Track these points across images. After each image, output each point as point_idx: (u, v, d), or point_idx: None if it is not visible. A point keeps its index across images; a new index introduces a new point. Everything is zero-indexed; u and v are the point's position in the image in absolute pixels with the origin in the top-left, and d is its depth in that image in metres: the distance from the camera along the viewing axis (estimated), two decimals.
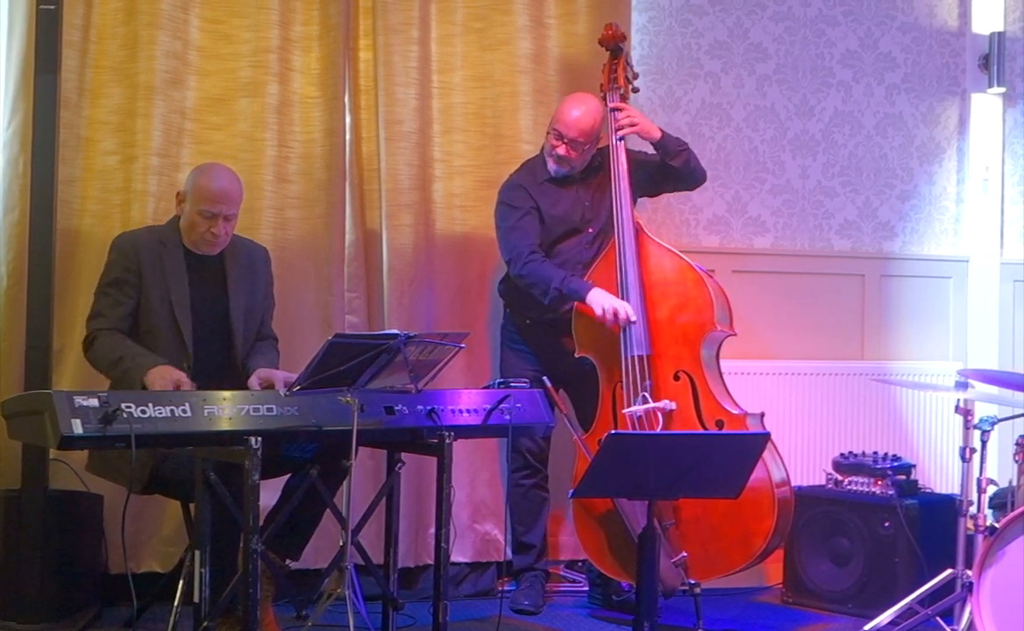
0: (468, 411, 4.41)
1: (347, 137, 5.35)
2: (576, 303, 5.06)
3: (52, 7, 4.84)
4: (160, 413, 3.88)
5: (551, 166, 5.20)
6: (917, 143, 6.14)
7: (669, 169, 5.24)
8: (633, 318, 4.95)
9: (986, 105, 6.16)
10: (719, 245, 5.60)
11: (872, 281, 6.11)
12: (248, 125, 5.25)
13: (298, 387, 4.08)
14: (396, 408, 4.25)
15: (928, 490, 5.41)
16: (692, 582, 4.84)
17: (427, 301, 5.42)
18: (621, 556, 4.91)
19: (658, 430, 4.90)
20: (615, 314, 4.94)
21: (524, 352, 5.25)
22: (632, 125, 5.17)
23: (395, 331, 4.23)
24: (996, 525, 4.50)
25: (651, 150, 5.26)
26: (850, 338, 6.06)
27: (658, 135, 5.21)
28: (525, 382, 4.67)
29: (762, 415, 5.01)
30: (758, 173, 5.93)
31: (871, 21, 6.13)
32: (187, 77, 5.17)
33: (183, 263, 4.54)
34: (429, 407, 4.30)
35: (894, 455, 5.44)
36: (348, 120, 5.35)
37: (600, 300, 4.98)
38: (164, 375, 4.24)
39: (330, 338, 4.07)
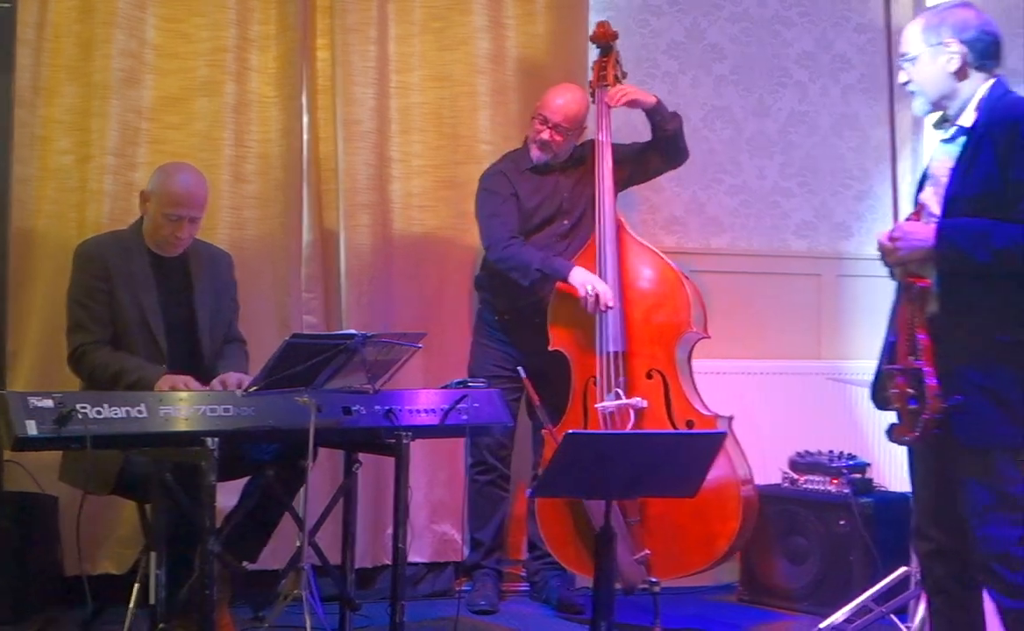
0: (426, 411, 4.41)
1: (305, 137, 5.35)
2: (554, 295, 5.09)
3: (7, 5, 4.83)
4: (116, 414, 3.85)
5: (534, 153, 5.25)
6: (873, 143, 6.18)
7: (658, 141, 5.26)
8: (611, 303, 4.98)
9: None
10: (676, 245, 5.62)
11: (829, 281, 6.15)
12: (205, 124, 5.23)
13: (255, 388, 4.07)
14: (354, 408, 4.24)
15: (883, 488, 5.45)
16: (653, 580, 4.87)
17: (385, 301, 5.42)
18: (584, 550, 4.93)
19: (629, 427, 4.93)
20: (596, 295, 4.97)
21: (500, 344, 5.28)
22: (625, 95, 5.20)
23: (353, 331, 4.22)
24: None
25: (631, 140, 5.31)
26: (807, 338, 6.10)
27: (653, 101, 5.24)
28: (483, 382, 4.68)
29: (731, 418, 5.05)
30: (715, 173, 5.95)
31: (826, 22, 6.16)
32: (143, 76, 5.15)
33: (149, 267, 4.51)
34: (387, 407, 4.29)
35: (849, 454, 5.49)
36: (306, 120, 5.35)
37: (583, 278, 5.02)
38: (173, 383, 4.22)
39: (287, 338, 4.06)
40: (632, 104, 5.24)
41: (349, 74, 5.38)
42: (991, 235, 3.47)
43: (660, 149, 5.31)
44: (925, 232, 3.56)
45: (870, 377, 3.79)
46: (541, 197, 5.27)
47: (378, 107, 5.43)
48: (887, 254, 3.65)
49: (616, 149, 5.24)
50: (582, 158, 5.29)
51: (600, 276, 5.05)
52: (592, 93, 5.32)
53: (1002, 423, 3.49)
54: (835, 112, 6.17)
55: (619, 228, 5.13)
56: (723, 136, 6.01)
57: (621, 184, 5.27)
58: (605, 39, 5.35)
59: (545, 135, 5.21)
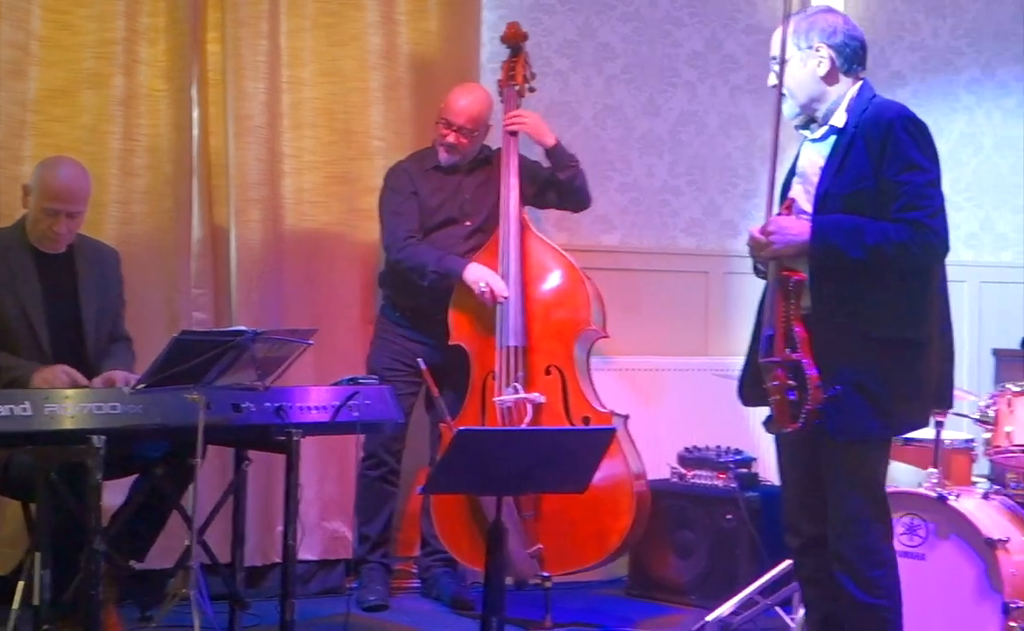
0: (316, 408, 4.40)
1: (195, 131, 5.29)
2: (455, 290, 5.12)
3: None
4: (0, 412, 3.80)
5: (442, 156, 5.27)
6: (760, 143, 6.26)
7: (555, 181, 5.30)
8: (506, 294, 5.02)
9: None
10: (567, 242, 5.64)
11: (716, 278, 6.23)
12: (92, 118, 5.16)
13: (143, 385, 4.03)
14: (243, 406, 4.22)
15: (769, 483, 5.52)
16: (545, 574, 4.91)
17: (276, 298, 5.39)
18: (478, 545, 4.94)
19: (526, 422, 4.97)
20: (491, 288, 5.00)
21: (401, 339, 5.28)
22: (521, 123, 5.22)
23: (243, 328, 4.20)
24: None
25: (547, 162, 5.36)
26: (695, 334, 6.17)
27: (551, 142, 5.29)
28: (374, 379, 4.69)
29: (626, 417, 5.11)
30: (606, 171, 6.00)
31: (716, 23, 6.24)
32: (29, 68, 5.06)
33: (32, 265, 4.45)
34: (277, 404, 4.28)
35: (736, 449, 5.57)
36: (196, 114, 5.29)
37: (476, 275, 5.05)
38: (47, 376, 4.15)
39: (176, 335, 4.03)
40: (529, 136, 5.26)
41: (240, 68, 5.34)
42: (864, 232, 3.55)
43: (555, 188, 5.35)
44: (799, 227, 3.62)
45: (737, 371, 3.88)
46: (443, 197, 5.28)
47: (269, 102, 5.40)
48: (759, 248, 3.69)
49: (524, 161, 5.27)
50: (488, 160, 5.31)
51: (502, 272, 5.08)
52: (501, 93, 5.34)
53: (871, 418, 3.58)
54: (723, 112, 6.25)
55: (522, 225, 5.17)
56: (614, 134, 6.06)
57: (524, 199, 5.30)
58: (515, 40, 5.38)
59: (451, 138, 5.23)
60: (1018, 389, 4.57)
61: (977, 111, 6.57)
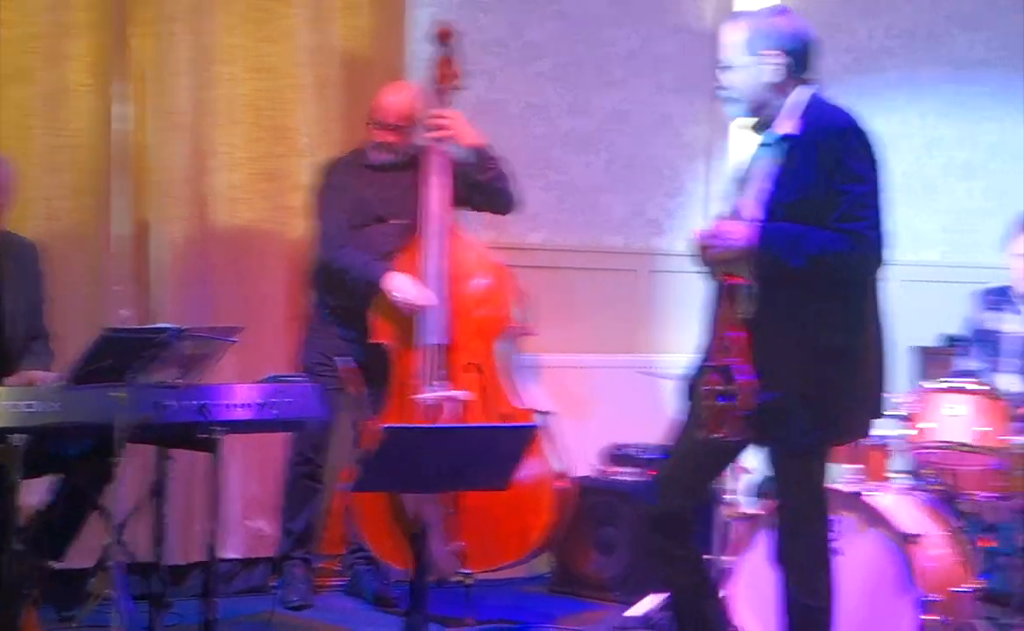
0: (241, 406, 4.38)
1: (121, 127, 5.25)
2: (377, 294, 5.11)
3: None
4: None
5: (373, 156, 5.28)
6: (685, 142, 6.32)
7: (479, 183, 5.32)
8: (420, 304, 5.02)
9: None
10: (494, 240, 5.66)
11: (643, 276, 6.27)
12: (16, 113, 5.11)
13: (65, 382, 4.01)
14: (166, 403, 4.18)
15: None
16: (467, 571, 4.93)
17: (201, 295, 5.37)
18: (400, 543, 4.95)
19: (448, 420, 4.98)
20: (410, 300, 5.01)
21: (330, 337, 5.28)
22: (443, 129, 5.22)
23: (167, 325, 4.19)
24: (752, 512, 4.71)
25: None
26: (621, 332, 6.22)
27: (475, 144, 5.29)
28: (299, 377, 4.69)
29: (550, 414, 5.14)
30: (532, 170, 5.99)
31: (644, 23, 6.27)
32: None
33: None
34: (201, 402, 4.25)
35: (661, 446, 5.61)
36: (121, 109, 5.25)
37: (396, 285, 5.05)
38: None
39: (99, 332, 4.01)
40: (453, 142, 5.28)
41: (166, 64, 5.31)
42: (806, 241, 3.55)
43: (478, 189, 5.37)
44: (743, 232, 3.62)
45: (682, 371, 3.90)
46: (373, 194, 5.28)
47: (196, 98, 5.37)
48: (703, 251, 3.70)
49: (454, 163, 5.29)
50: (419, 160, 5.31)
51: (424, 270, 5.08)
52: (430, 91, 5.34)
53: (815, 428, 3.61)
54: (651, 111, 6.29)
55: (446, 224, 5.18)
56: (541, 133, 6.09)
57: (453, 201, 5.31)
58: (444, 39, 5.36)
59: (383, 137, 5.23)
60: (935, 386, 4.65)
61: (907, 111, 6.66)
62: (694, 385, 3.82)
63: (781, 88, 3.70)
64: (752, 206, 3.72)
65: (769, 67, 3.69)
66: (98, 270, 5.19)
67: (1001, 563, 4.97)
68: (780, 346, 3.59)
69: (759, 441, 3.71)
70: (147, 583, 4.45)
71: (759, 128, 3.80)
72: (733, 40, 3.75)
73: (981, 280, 5.60)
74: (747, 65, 3.71)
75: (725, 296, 3.64)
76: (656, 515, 3.82)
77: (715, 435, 3.61)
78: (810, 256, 3.54)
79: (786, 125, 3.69)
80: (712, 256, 3.67)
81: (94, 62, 5.21)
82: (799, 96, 3.71)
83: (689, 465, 3.81)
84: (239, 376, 5.13)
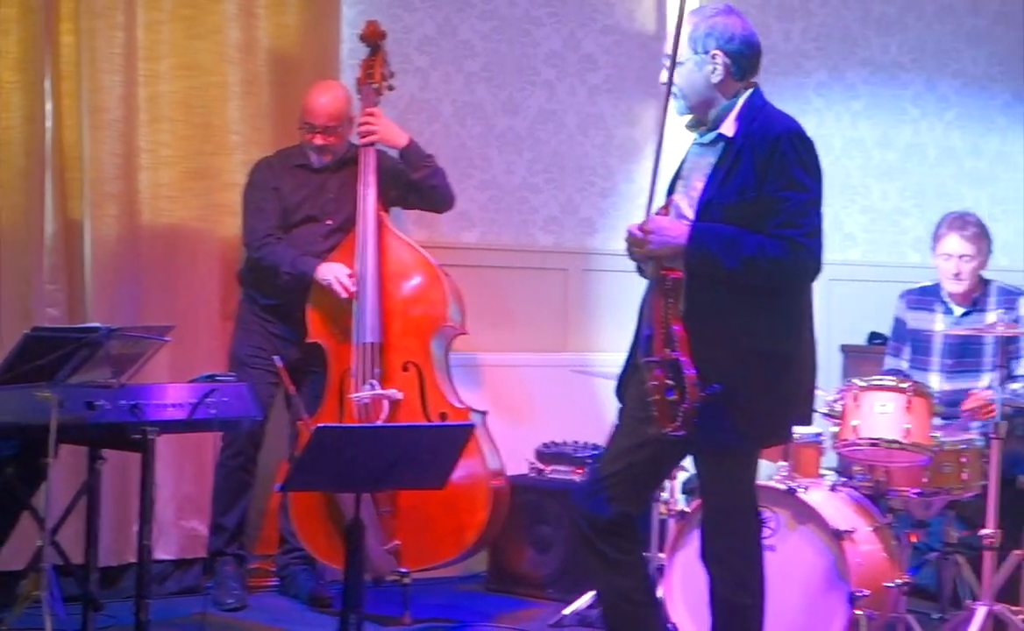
0: (173, 406, 4.34)
1: (48, 124, 5.17)
2: (313, 287, 5.11)
3: None
4: None
5: (313, 159, 5.27)
6: (617, 142, 6.36)
7: (411, 181, 5.31)
8: (354, 288, 5.02)
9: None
10: (427, 239, 5.66)
11: (575, 275, 6.29)
12: None
13: None
14: (98, 403, 4.14)
15: None
16: (403, 570, 4.93)
17: (132, 294, 5.32)
18: (335, 541, 4.94)
19: (383, 418, 4.98)
20: (340, 282, 5.02)
21: (262, 334, 5.25)
22: (371, 133, 5.21)
23: (97, 324, 4.15)
24: (686, 510, 4.74)
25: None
26: (554, 331, 6.24)
27: (402, 144, 5.29)
28: (231, 376, 4.65)
29: (485, 413, 5.15)
30: (466, 169, 6.02)
31: (574, 22, 6.30)
32: None
33: None
34: (132, 402, 4.21)
35: (594, 444, 5.63)
36: (49, 106, 5.17)
37: (328, 272, 5.06)
38: None
39: (27, 331, 3.96)
40: (382, 144, 5.27)
41: (95, 61, 5.25)
42: (741, 243, 3.55)
43: (415, 188, 5.36)
44: (678, 229, 3.61)
45: (615, 369, 3.90)
46: (305, 194, 5.27)
47: (125, 95, 5.32)
48: (636, 245, 3.67)
49: (388, 163, 5.28)
50: (354, 159, 5.29)
51: (359, 270, 5.08)
52: (359, 90, 5.34)
53: (740, 430, 3.62)
54: (582, 111, 6.32)
55: (380, 223, 5.17)
56: (474, 132, 6.10)
57: (388, 201, 5.31)
58: (374, 38, 5.37)
59: (318, 140, 5.23)
60: (864, 384, 4.71)
61: (826, 113, 6.75)
62: (627, 384, 3.83)
63: (723, 88, 3.71)
64: (687, 206, 3.73)
65: (711, 67, 3.70)
66: (28, 269, 5.12)
67: (929, 558, 5.06)
68: (711, 348, 3.57)
69: (688, 441, 3.72)
70: (79, 585, 4.40)
71: (696, 127, 3.80)
72: (676, 36, 3.71)
73: (904, 279, 5.69)
74: (690, 63, 3.71)
75: (664, 290, 3.61)
76: (596, 520, 3.72)
77: (666, 431, 3.56)
78: (744, 259, 3.54)
79: (726, 127, 3.69)
80: (646, 251, 3.64)
81: (20, 58, 5.14)
82: (739, 97, 3.72)
83: (633, 470, 3.73)
84: (171, 376, 5.11)
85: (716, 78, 3.70)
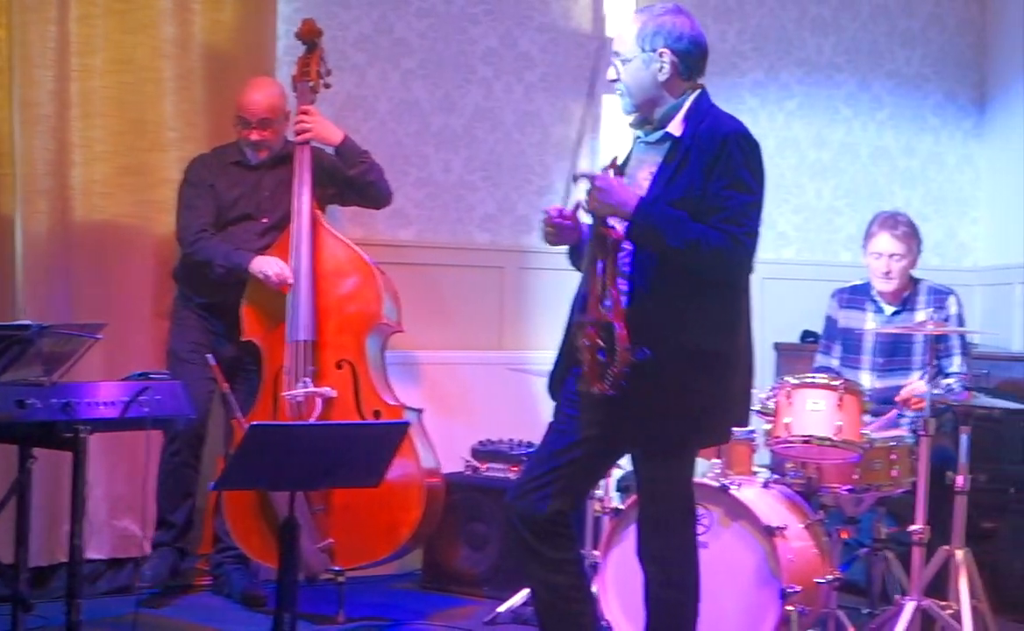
0: (105, 404, 4.30)
1: None
2: (248, 286, 5.10)
3: None
4: None
5: (249, 155, 5.26)
6: (553, 140, 6.37)
7: (348, 178, 5.29)
8: (290, 280, 5.03)
9: (617, 106, 6.41)
10: (363, 237, 5.66)
11: (511, 273, 6.30)
12: None
13: None
14: (28, 402, 4.09)
15: None
16: (337, 569, 4.92)
17: (64, 291, 5.28)
18: (269, 540, 4.92)
19: (316, 416, 4.96)
20: (278, 273, 5.01)
21: (198, 331, 5.23)
22: (306, 131, 5.20)
23: (28, 322, 4.10)
24: (620, 507, 4.77)
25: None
26: (490, 329, 6.25)
27: (337, 141, 5.28)
28: (165, 374, 4.63)
29: (420, 411, 5.15)
30: (402, 166, 6.02)
31: (511, 21, 6.31)
32: None
33: None
34: (64, 400, 4.16)
35: (529, 442, 5.65)
36: None
37: (262, 265, 5.05)
38: None
39: None
40: (316, 141, 5.25)
41: (27, 55, 5.20)
42: (685, 226, 3.54)
43: (352, 185, 5.35)
44: (627, 194, 3.59)
45: (548, 367, 3.91)
46: (240, 192, 5.26)
47: (58, 90, 5.28)
48: (590, 196, 3.58)
49: (326, 160, 5.27)
50: (290, 157, 5.27)
51: (293, 267, 5.07)
52: (295, 88, 5.33)
53: (680, 428, 3.66)
54: (518, 109, 6.33)
55: (315, 220, 5.16)
56: (410, 129, 6.10)
57: (326, 198, 5.30)
58: (310, 36, 5.37)
59: (253, 136, 5.22)
60: (797, 381, 4.75)
61: (760, 113, 6.80)
62: (560, 381, 3.84)
63: (670, 87, 3.71)
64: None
65: (658, 65, 3.70)
66: None
67: (859, 554, 5.11)
68: (653, 345, 3.58)
69: (626, 439, 3.74)
70: (8, 585, 4.35)
71: (640, 126, 3.80)
72: (627, 33, 3.75)
73: (836, 278, 5.75)
74: (638, 60, 3.72)
75: (604, 249, 3.59)
76: (532, 518, 3.69)
77: (594, 389, 3.55)
78: (687, 241, 3.53)
79: (673, 126, 3.70)
80: (592, 205, 3.59)
81: None
82: (686, 97, 3.73)
83: (569, 468, 3.72)
84: (105, 374, 5.06)
85: (663, 76, 3.71)
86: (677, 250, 3.55)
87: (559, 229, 3.75)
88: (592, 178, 3.61)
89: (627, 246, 3.66)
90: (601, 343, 3.54)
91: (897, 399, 5.07)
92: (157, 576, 5.14)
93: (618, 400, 3.57)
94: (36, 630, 4.52)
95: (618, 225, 3.61)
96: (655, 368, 3.57)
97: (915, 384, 5.07)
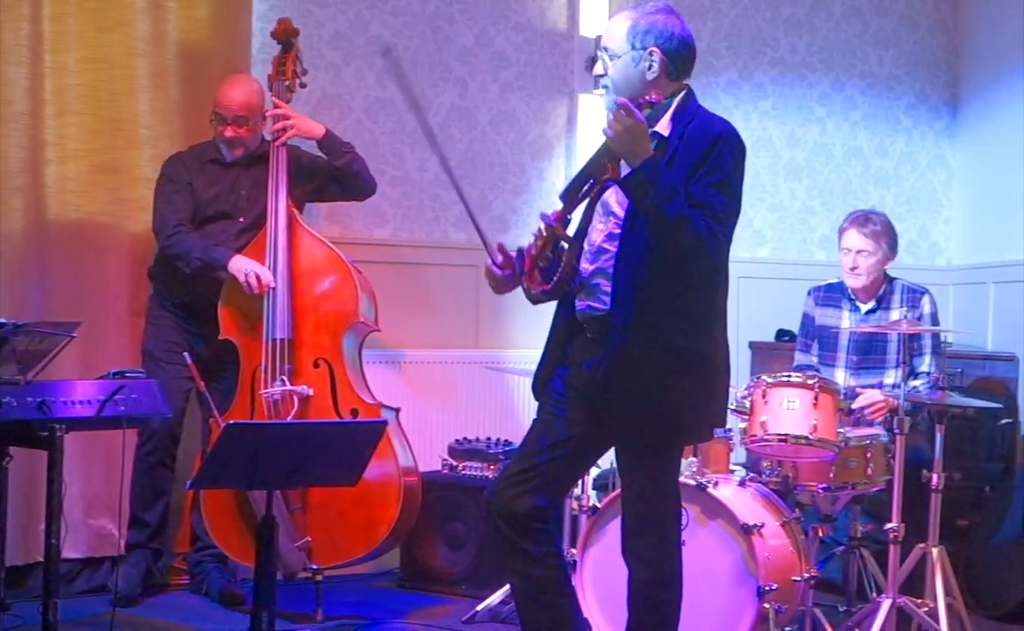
0: (81, 402, 4.29)
1: None
2: (225, 284, 5.09)
3: None
4: None
5: (224, 152, 5.25)
6: (529, 139, 6.38)
7: (333, 171, 5.29)
8: (272, 283, 5.02)
9: (592, 105, 6.44)
10: (339, 235, 5.65)
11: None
12: None
13: None
14: (3, 400, 4.08)
15: None
16: (315, 568, 4.91)
17: (39, 289, 5.25)
18: (247, 538, 4.91)
19: (293, 415, 4.95)
20: (257, 277, 4.99)
21: (174, 329, 5.22)
22: (287, 128, 5.19)
23: (2, 320, 4.08)
24: (598, 505, 4.78)
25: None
26: (465, 327, 6.24)
27: (319, 134, 5.26)
28: (141, 373, 4.61)
29: (398, 410, 5.15)
30: (378, 165, 5.99)
31: (486, 20, 6.30)
32: None
33: None
34: (39, 399, 4.15)
35: (506, 440, 5.67)
36: None
37: (241, 266, 5.04)
38: None
39: None
40: (299, 135, 5.24)
41: (0, 52, 5.17)
42: (681, 200, 3.50)
43: (336, 179, 5.35)
44: (646, 146, 3.50)
45: (527, 366, 3.91)
46: (218, 190, 5.25)
47: (32, 87, 5.25)
48: (619, 117, 3.49)
49: (304, 158, 5.26)
50: (267, 156, 5.26)
51: (269, 265, 5.06)
52: (271, 87, 5.32)
53: (662, 428, 3.66)
54: (494, 108, 6.33)
55: (291, 219, 5.15)
56: (386, 128, 6.09)
57: (305, 196, 5.29)
58: (286, 35, 5.36)
59: (229, 132, 5.20)
60: (772, 380, 4.77)
61: (735, 112, 6.81)
62: (544, 381, 3.85)
63: (656, 86, 3.68)
64: (615, 202, 3.72)
65: (647, 63, 3.68)
66: None
67: (836, 552, 5.14)
68: (635, 343, 3.60)
69: (609, 438, 3.74)
70: None
71: None
72: (617, 28, 3.73)
73: (811, 277, 5.78)
74: (627, 57, 3.70)
75: (599, 175, 3.58)
76: (512, 515, 3.71)
77: (534, 292, 3.69)
78: (678, 213, 3.48)
79: (660, 125, 3.68)
80: (617, 138, 3.51)
81: None
82: (676, 98, 3.71)
83: (551, 465, 3.75)
84: (80, 372, 5.04)
85: (652, 75, 3.69)
86: (666, 217, 3.50)
87: (500, 281, 3.84)
88: (631, 111, 3.51)
89: (610, 248, 3.68)
90: (549, 255, 3.65)
91: (854, 407, 5.07)
92: (129, 588, 5.11)
93: (603, 399, 3.59)
94: (12, 629, 4.50)
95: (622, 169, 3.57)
96: (639, 367, 3.59)
97: (870, 393, 5.10)
